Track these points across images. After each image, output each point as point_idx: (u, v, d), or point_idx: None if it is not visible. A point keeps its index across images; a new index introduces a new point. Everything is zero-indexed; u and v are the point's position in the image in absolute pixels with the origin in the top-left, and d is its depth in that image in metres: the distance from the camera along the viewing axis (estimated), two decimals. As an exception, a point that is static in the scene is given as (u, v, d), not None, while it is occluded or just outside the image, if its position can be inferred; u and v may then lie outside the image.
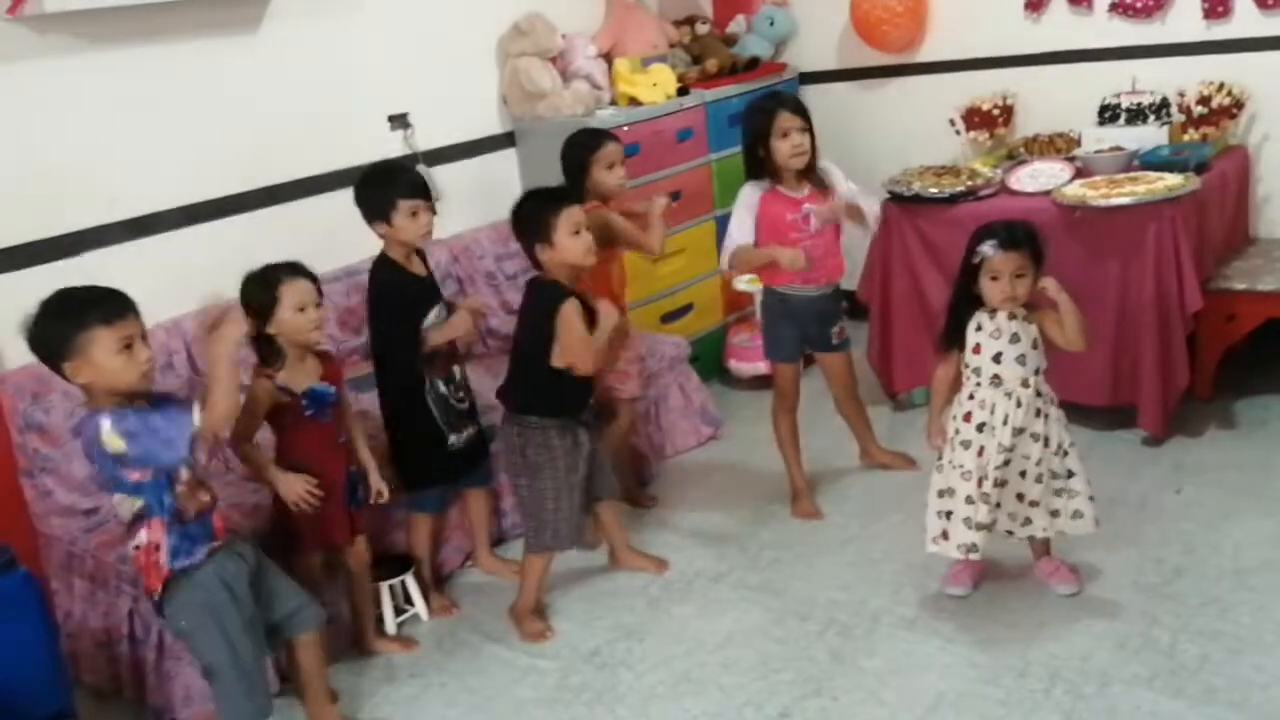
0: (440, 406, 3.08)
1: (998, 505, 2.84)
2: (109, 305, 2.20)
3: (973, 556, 2.87)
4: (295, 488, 2.70)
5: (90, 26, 3.12)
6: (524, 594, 3.09)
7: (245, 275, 2.73)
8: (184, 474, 2.31)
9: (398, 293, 3.05)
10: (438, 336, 3.04)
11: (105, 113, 3.20)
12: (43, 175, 3.07)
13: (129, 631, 2.81)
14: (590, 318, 2.89)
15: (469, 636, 3.12)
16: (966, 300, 2.82)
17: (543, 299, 2.90)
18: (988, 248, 2.73)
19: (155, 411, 2.21)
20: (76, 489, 3.00)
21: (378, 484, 2.91)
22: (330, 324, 3.56)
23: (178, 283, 3.26)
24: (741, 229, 3.34)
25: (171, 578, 2.33)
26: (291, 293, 2.68)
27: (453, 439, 3.12)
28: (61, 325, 2.18)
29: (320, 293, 2.76)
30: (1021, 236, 2.76)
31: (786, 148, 3.27)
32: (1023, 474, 2.84)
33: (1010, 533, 2.92)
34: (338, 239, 3.50)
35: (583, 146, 3.42)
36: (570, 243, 2.86)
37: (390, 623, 3.12)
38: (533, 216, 2.91)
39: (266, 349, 2.71)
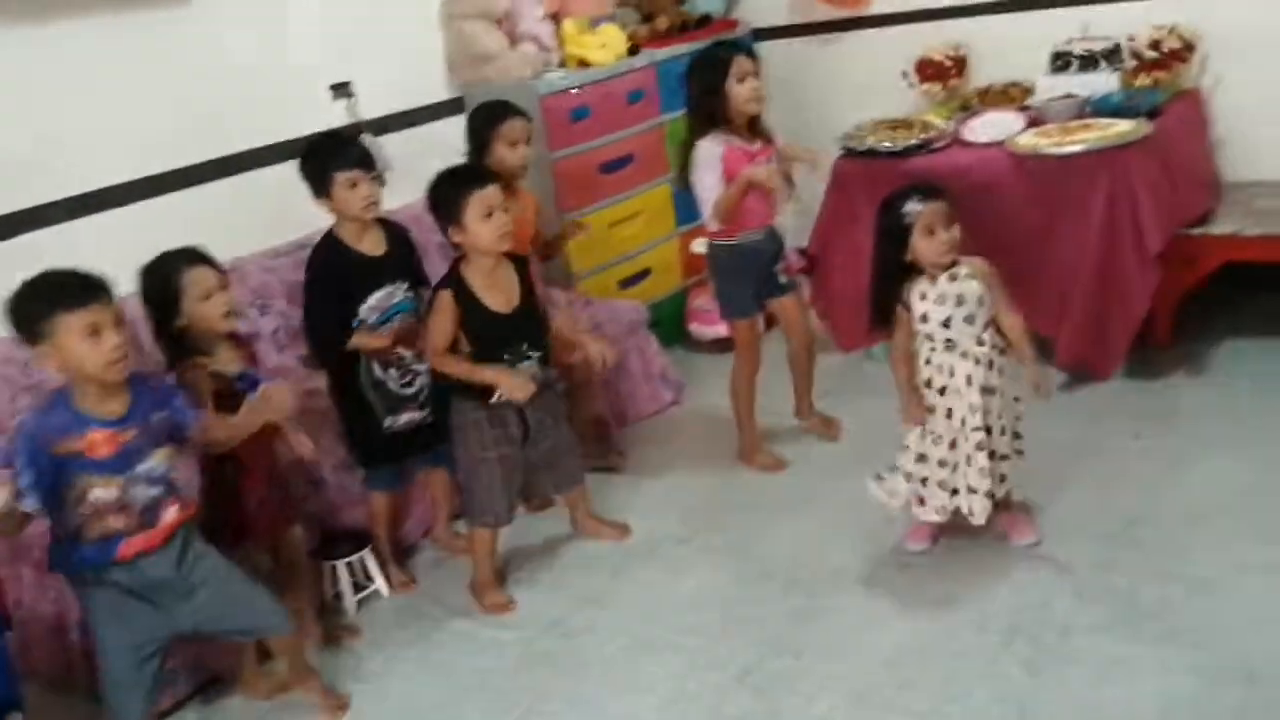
0: (377, 390, 3.02)
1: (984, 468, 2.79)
2: (77, 290, 2.16)
3: (976, 522, 2.82)
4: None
5: (17, 2, 3.02)
6: (477, 567, 3.06)
7: (142, 268, 2.63)
8: (93, 496, 2.22)
9: (332, 273, 2.96)
10: (356, 340, 2.95)
11: (39, 90, 3.12)
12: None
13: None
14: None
15: (431, 610, 3.09)
16: (896, 271, 2.78)
17: (439, 283, 2.88)
18: (914, 204, 2.70)
19: (23, 453, 2.15)
20: (20, 477, 2.94)
21: (299, 444, 2.72)
22: (281, 301, 3.50)
23: (124, 260, 3.18)
24: (712, 188, 3.27)
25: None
26: (193, 281, 2.57)
27: (389, 422, 3.05)
28: (31, 308, 2.17)
29: (225, 277, 2.65)
30: (933, 187, 2.76)
31: (745, 91, 3.21)
32: (989, 430, 2.82)
33: (991, 495, 2.85)
34: (286, 212, 3.43)
35: (487, 119, 3.29)
36: (481, 228, 2.78)
37: (350, 600, 3.09)
38: (444, 199, 2.84)
39: (174, 346, 2.59)
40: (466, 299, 2.83)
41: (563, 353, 3.21)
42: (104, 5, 3.23)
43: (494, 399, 2.88)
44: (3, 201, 3.04)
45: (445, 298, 2.83)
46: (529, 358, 2.92)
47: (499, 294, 2.88)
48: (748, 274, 3.39)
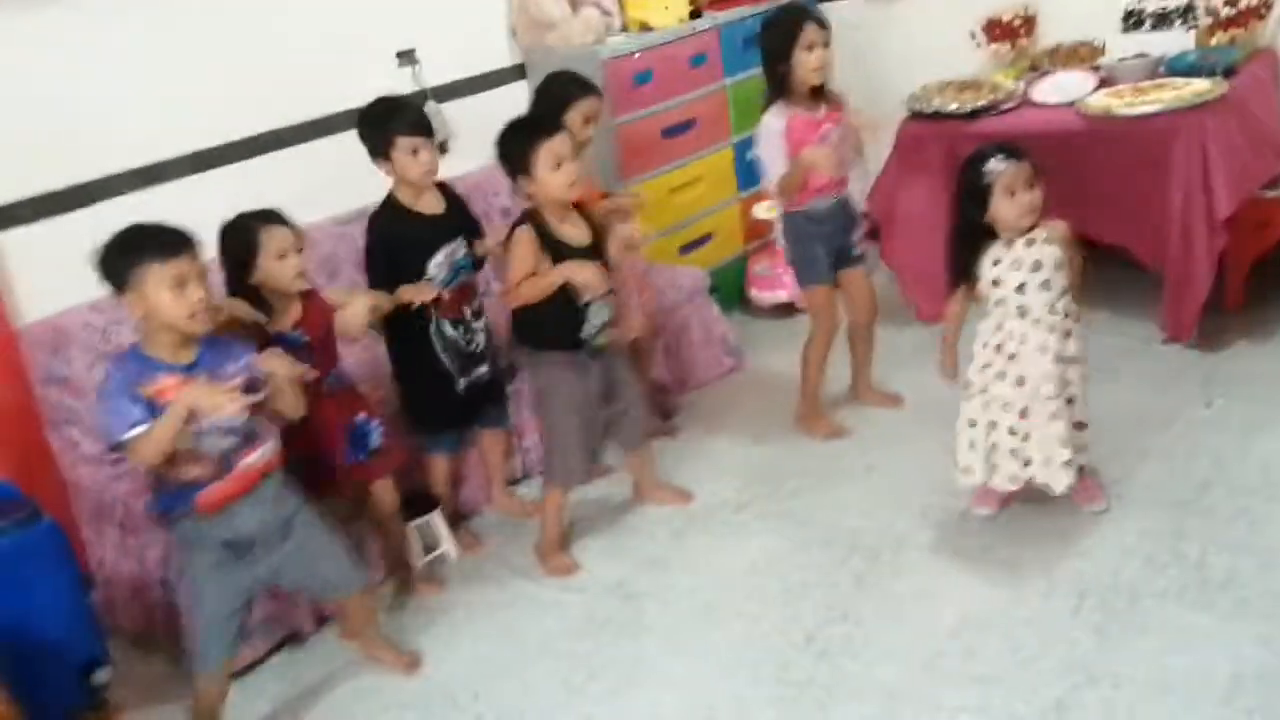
0: (449, 349, 3.05)
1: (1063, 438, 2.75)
2: (166, 241, 2.24)
3: (1056, 491, 2.77)
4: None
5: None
6: (545, 528, 3.10)
7: (222, 225, 2.68)
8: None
9: (396, 236, 2.98)
10: (404, 294, 2.92)
11: (109, 62, 3.17)
12: (50, 127, 3.05)
13: (161, 576, 2.84)
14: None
15: (496, 571, 3.14)
16: (975, 232, 2.74)
17: (515, 222, 2.88)
18: (996, 163, 2.66)
19: (120, 395, 2.21)
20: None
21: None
22: (349, 267, 3.55)
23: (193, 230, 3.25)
24: (776, 161, 3.25)
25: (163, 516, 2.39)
26: (271, 240, 2.62)
27: (462, 382, 3.09)
28: (121, 257, 2.24)
29: (301, 239, 2.70)
30: (1016, 148, 2.70)
31: (812, 61, 3.18)
32: (1070, 400, 2.78)
33: (1083, 467, 2.84)
34: (351, 180, 3.46)
35: (561, 94, 3.27)
36: (551, 177, 2.80)
37: (419, 562, 3.15)
38: (513, 149, 2.85)
39: (250, 302, 2.64)
40: (544, 233, 2.85)
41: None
42: (174, -26, 3.28)
43: (584, 334, 2.89)
44: (74, 172, 3.11)
45: (525, 232, 2.84)
46: (608, 295, 2.93)
47: (573, 231, 2.90)
48: (819, 240, 3.37)
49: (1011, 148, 2.71)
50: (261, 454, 2.40)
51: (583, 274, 2.83)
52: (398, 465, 2.98)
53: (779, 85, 3.24)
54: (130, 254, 2.23)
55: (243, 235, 2.64)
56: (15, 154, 2.99)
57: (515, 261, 2.86)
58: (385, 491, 2.95)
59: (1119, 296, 3.67)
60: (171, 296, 2.21)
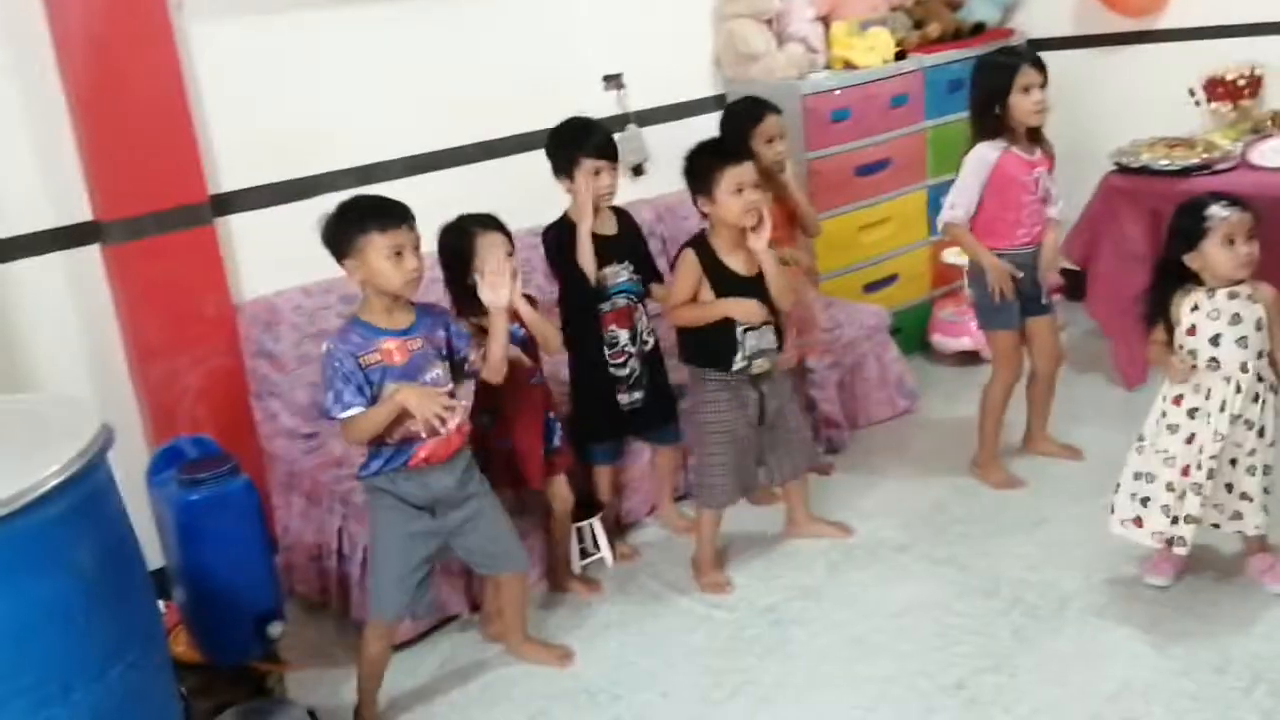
0: (596, 370, 3.14)
1: (1206, 496, 2.67)
2: (386, 214, 2.43)
3: (1179, 551, 2.71)
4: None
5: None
6: (700, 545, 3.14)
7: (442, 226, 2.85)
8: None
9: (565, 250, 3.08)
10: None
11: (338, 72, 3.42)
12: (282, 126, 3.30)
13: (337, 547, 3.02)
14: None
15: (649, 582, 3.19)
16: (1178, 275, 2.65)
17: (685, 243, 2.96)
18: (1220, 209, 2.56)
19: (339, 377, 2.39)
20: (299, 414, 3.25)
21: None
22: (539, 276, 3.69)
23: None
24: (967, 194, 3.25)
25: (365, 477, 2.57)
26: (488, 245, 2.77)
27: (621, 398, 3.17)
28: (346, 227, 2.44)
29: (512, 244, 2.83)
30: (1240, 199, 2.60)
31: (1029, 104, 3.17)
32: (1233, 462, 2.66)
33: (1216, 525, 2.74)
34: (552, 193, 3.63)
35: (741, 117, 3.35)
36: (730, 201, 2.85)
37: (575, 564, 3.23)
38: (699, 169, 2.93)
39: (465, 297, 2.79)
40: (710, 258, 2.92)
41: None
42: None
43: (736, 365, 2.94)
44: (299, 166, 3.36)
45: (689, 255, 2.94)
46: (768, 324, 2.96)
47: (742, 260, 2.95)
48: (1016, 287, 3.31)
49: (1234, 197, 2.61)
50: (463, 417, 2.57)
51: (740, 309, 2.88)
52: (569, 466, 3.08)
53: (993, 125, 3.22)
54: (354, 225, 2.42)
55: (459, 238, 2.81)
56: (249, 148, 3.26)
57: (677, 283, 2.95)
58: (562, 488, 3.05)
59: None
60: (390, 265, 2.39)
